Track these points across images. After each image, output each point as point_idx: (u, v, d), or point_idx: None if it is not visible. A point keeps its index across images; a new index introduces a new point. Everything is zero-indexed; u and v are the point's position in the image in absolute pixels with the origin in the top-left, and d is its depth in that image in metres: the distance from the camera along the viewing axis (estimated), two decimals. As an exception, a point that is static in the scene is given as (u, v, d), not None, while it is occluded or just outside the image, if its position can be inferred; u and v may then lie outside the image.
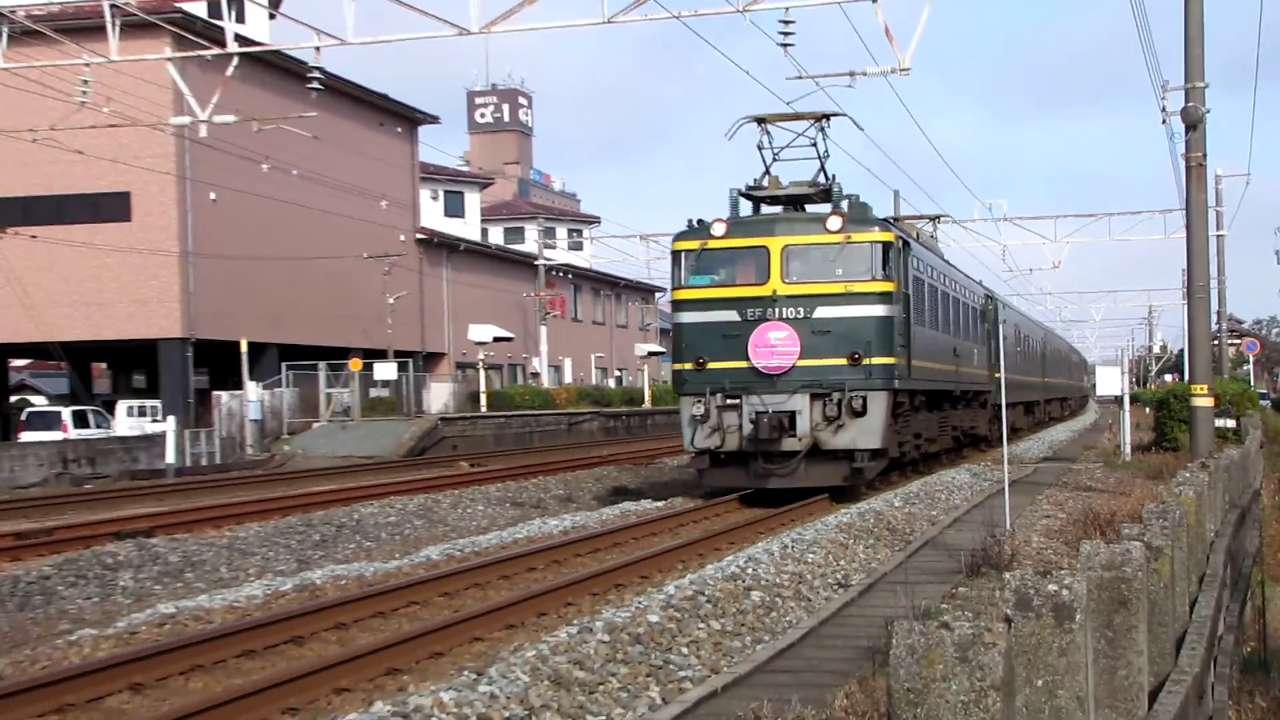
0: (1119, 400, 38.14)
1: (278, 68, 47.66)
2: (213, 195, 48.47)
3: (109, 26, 25.01)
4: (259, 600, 14.94)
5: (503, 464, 38.57)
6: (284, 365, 52.28)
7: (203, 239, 48.33)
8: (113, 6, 25.33)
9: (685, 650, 11.36)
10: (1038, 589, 5.07)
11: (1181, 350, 70.60)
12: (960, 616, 4.17)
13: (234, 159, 44.59)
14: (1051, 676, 5.01)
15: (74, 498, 30.67)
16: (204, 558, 19.36)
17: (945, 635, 3.95)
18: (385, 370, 54.39)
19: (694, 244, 24.02)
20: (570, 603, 14.45)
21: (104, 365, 63.03)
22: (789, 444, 22.94)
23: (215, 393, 49.19)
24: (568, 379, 76.95)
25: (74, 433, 45.66)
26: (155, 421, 46.87)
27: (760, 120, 25.91)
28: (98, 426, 47.69)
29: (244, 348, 48.58)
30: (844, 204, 24.72)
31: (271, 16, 48.04)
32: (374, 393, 54.76)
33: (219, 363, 52.45)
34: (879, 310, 23.57)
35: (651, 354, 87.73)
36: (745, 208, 25.74)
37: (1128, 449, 34.72)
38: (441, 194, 79.72)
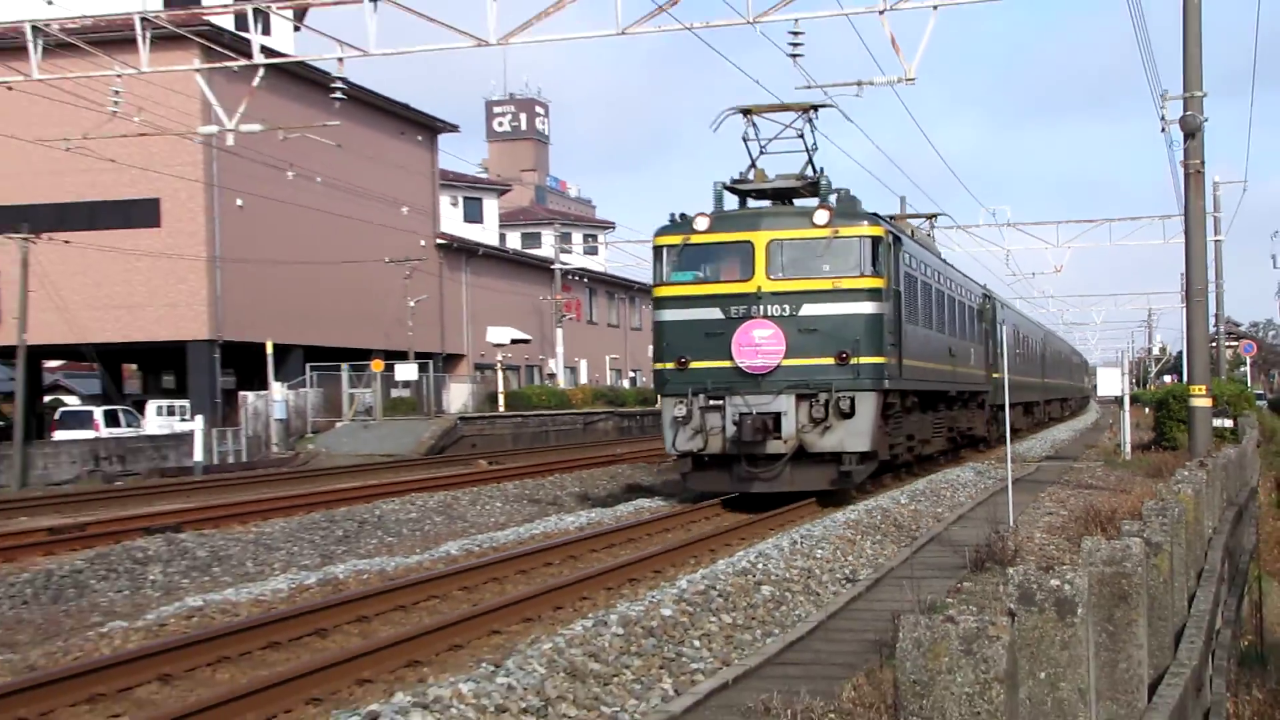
0: (1119, 401, 38.06)
1: (302, 78, 47.73)
2: (239, 202, 48.56)
3: (140, 39, 25.05)
4: (283, 594, 14.96)
5: (520, 462, 38.58)
6: (308, 366, 52.40)
7: (230, 244, 48.42)
8: (143, 19, 25.39)
9: (697, 643, 11.34)
10: (1040, 584, 5.05)
11: (1180, 352, 70.42)
12: (965, 611, 4.16)
13: (260, 167, 44.63)
14: (1054, 669, 4.99)
15: (105, 494, 30.76)
16: (230, 552, 19.39)
17: (950, 629, 3.93)
18: (406, 371, 54.49)
19: (676, 239, 22.75)
20: (585, 597, 14.44)
21: (134, 366, 63.20)
22: (774, 446, 21.68)
23: (242, 393, 49.29)
24: (583, 380, 77.01)
25: (105, 431, 45.80)
26: (184, 421, 46.96)
27: (746, 111, 24.62)
28: (128, 425, 47.81)
29: (269, 349, 48.68)
30: (832, 198, 23.44)
31: (296, 29, 48.04)
32: (395, 393, 54.86)
33: (245, 364, 52.56)
34: (868, 308, 22.20)
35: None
36: (730, 202, 24.45)
37: (1128, 448, 34.63)
38: (461, 200, 79.79)
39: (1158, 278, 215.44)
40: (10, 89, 27.90)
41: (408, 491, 27.47)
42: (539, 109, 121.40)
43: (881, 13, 22.34)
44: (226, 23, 43.08)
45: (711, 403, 21.92)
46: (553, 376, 74.67)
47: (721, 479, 22.47)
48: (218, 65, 30.21)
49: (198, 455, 40.85)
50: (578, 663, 10.06)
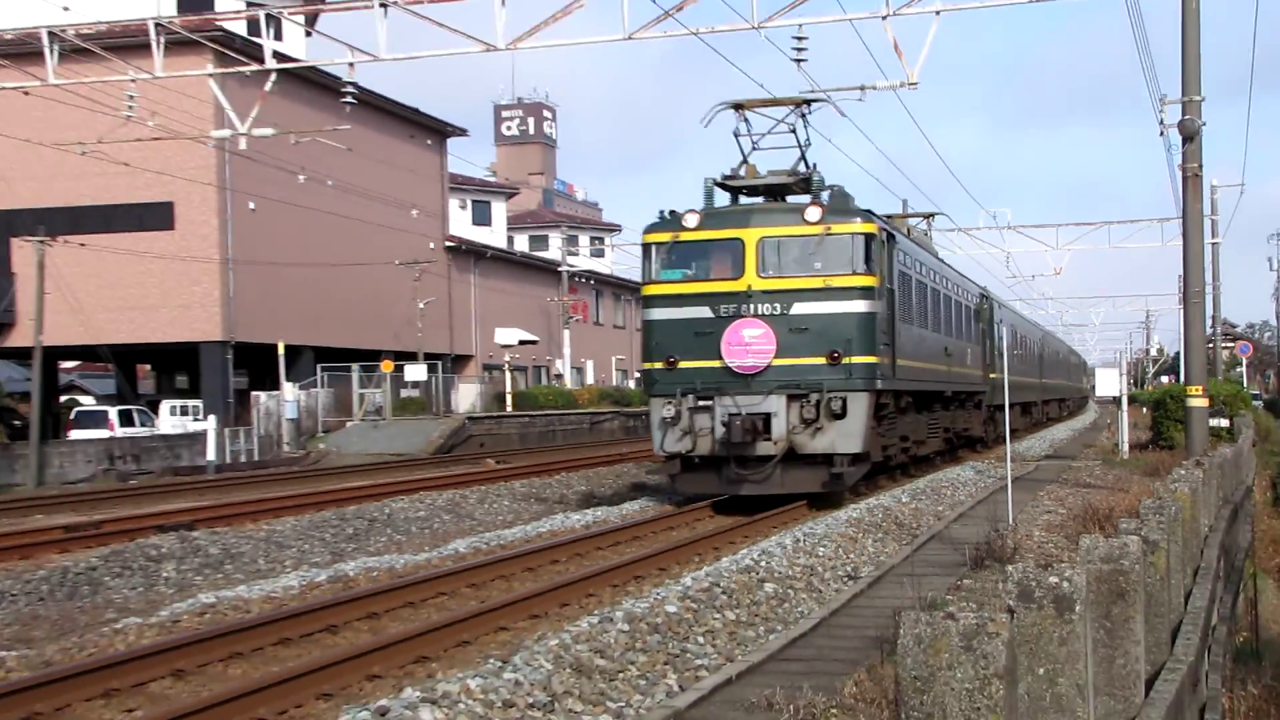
0: (1117, 401, 38.01)
1: (313, 83, 47.74)
2: (251, 205, 48.59)
3: (154, 44, 25.07)
4: (295, 591, 14.97)
5: (527, 461, 38.60)
6: (319, 367, 52.45)
7: (242, 247, 48.45)
8: (157, 25, 25.40)
9: (701, 639, 11.34)
10: (1039, 581, 5.05)
11: (1178, 353, 70.29)
12: (965, 607, 4.16)
13: (272, 170, 44.70)
14: (1052, 665, 4.99)
15: (120, 493, 30.79)
16: (243, 550, 19.40)
17: (951, 625, 3.93)
18: (415, 372, 54.54)
19: (665, 236, 22.05)
20: (591, 594, 14.43)
21: (148, 367, 63.23)
22: (763, 448, 20.93)
23: (254, 393, 49.33)
24: (590, 380, 77.03)
25: (120, 431, 45.85)
26: (197, 420, 47.00)
27: (738, 106, 23.83)
28: (142, 425, 47.87)
29: (281, 350, 48.73)
30: (825, 194, 22.69)
31: (308, 34, 48.12)
32: (405, 393, 54.90)
33: (257, 364, 52.58)
34: (860, 306, 21.39)
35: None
36: (722, 198, 23.59)
37: (1126, 447, 34.62)
38: (469, 203, 79.85)
39: (1156, 280, 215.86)
40: (27, 94, 27.96)
41: (417, 490, 27.48)
42: (547, 113, 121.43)
43: (884, 18, 22.30)
44: (239, 28, 43.16)
45: (700, 403, 21.29)
46: (559, 377, 74.67)
47: (710, 481, 21.80)
48: (230, 70, 30.21)
49: (210, 454, 40.90)
50: (584, 659, 10.06)
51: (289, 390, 48.83)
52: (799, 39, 22.61)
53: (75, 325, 45.52)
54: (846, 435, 21.01)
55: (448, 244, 65.02)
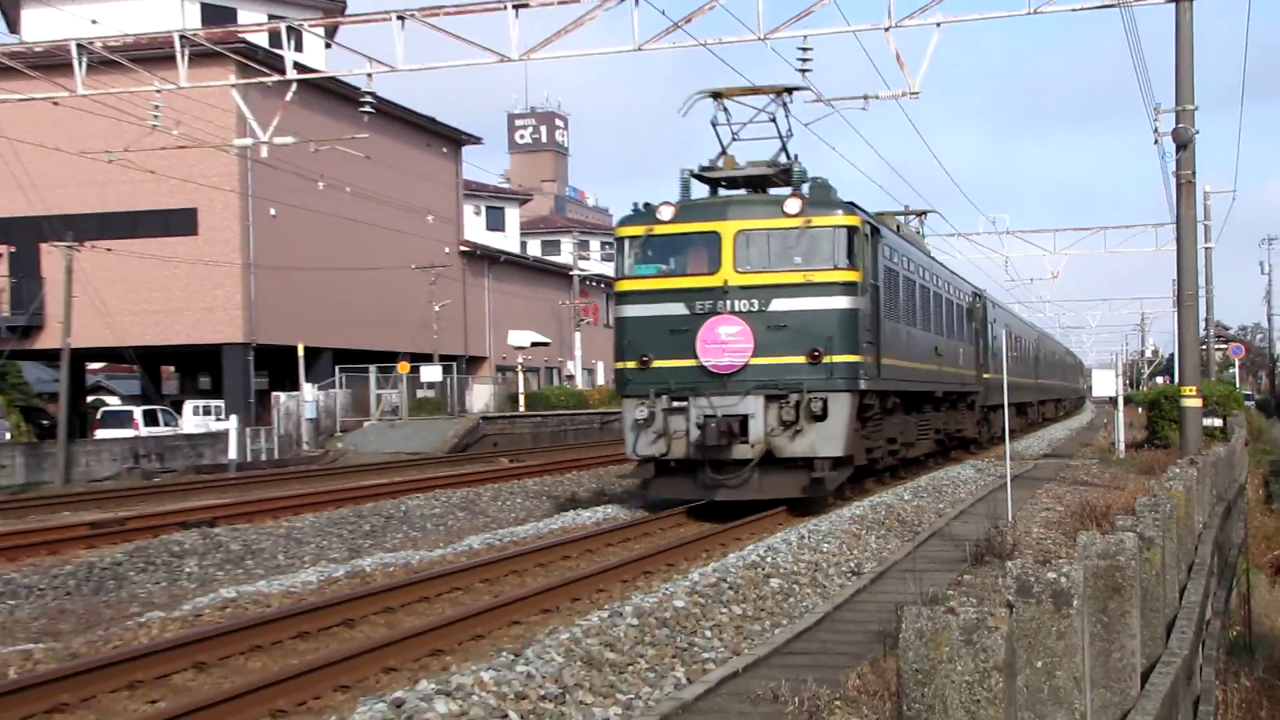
0: (1114, 401, 37.93)
1: (333, 93, 47.83)
2: (272, 211, 48.67)
3: (179, 56, 25.11)
4: (313, 586, 14.96)
5: (540, 460, 38.59)
6: (337, 368, 52.50)
7: (263, 251, 48.53)
8: (182, 37, 25.44)
9: (709, 633, 11.32)
10: (1038, 577, 5.03)
11: (1172, 354, 70.18)
12: (965, 602, 4.14)
13: (292, 177, 44.72)
14: (1050, 658, 4.97)
15: (144, 490, 30.84)
16: (263, 546, 19.41)
17: (951, 620, 3.92)
18: (431, 373, 54.60)
19: (639, 229, 20.51)
20: (602, 589, 14.41)
21: (172, 368, 63.31)
22: (740, 451, 19.45)
23: (274, 393, 49.40)
24: (600, 381, 76.97)
25: (144, 430, 45.93)
26: (219, 420, 47.10)
27: (717, 95, 22.28)
28: (166, 425, 47.95)
29: (301, 352, 48.81)
30: (806, 186, 21.11)
31: (327, 46, 48.10)
32: (420, 394, 54.95)
33: (277, 366, 52.67)
34: (842, 302, 19.86)
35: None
36: (699, 191, 22.08)
37: (1122, 447, 34.57)
38: (483, 209, 79.91)
39: (1151, 283, 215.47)
40: (56, 104, 27.96)
41: (432, 488, 27.49)
42: (559, 122, 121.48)
43: (887, 29, 22.26)
44: (261, 40, 43.18)
45: (675, 404, 19.81)
46: (571, 378, 74.71)
47: (685, 486, 20.30)
48: (252, 81, 30.27)
49: (232, 453, 40.94)
50: (594, 652, 10.04)
51: (308, 391, 48.90)
52: (804, 50, 22.55)
53: (102, 328, 45.60)
54: (827, 438, 19.57)
55: (462, 249, 65.08)
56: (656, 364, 20.05)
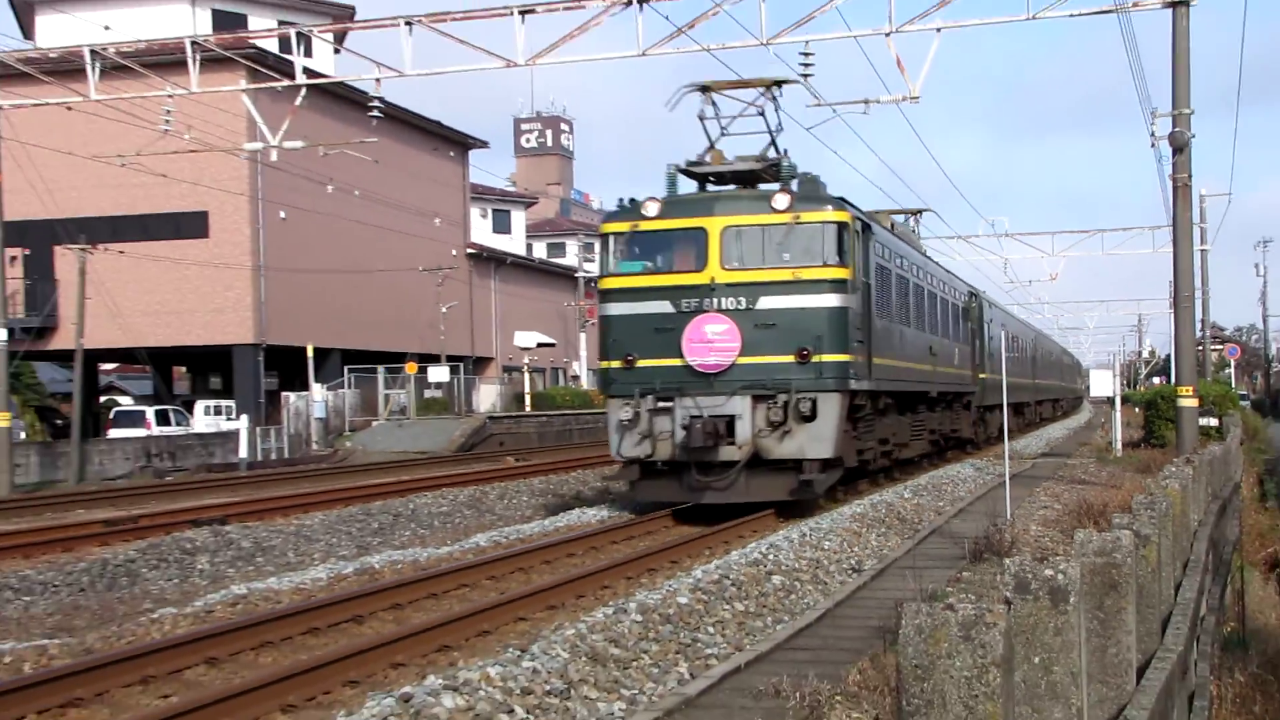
0: (1111, 401, 37.91)
1: (342, 97, 47.81)
2: (282, 214, 48.71)
3: (190, 61, 25.15)
4: (323, 582, 14.98)
5: (545, 459, 38.58)
6: (346, 369, 52.56)
7: (273, 254, 48.57)
8: (193, 43, 25.48)
9: (711, 629, 11.33)
10: (1035, 574, 5.04)
11: (1169, 355, 70.16)
12: (964, 599, 4.15)
13: (302, 181, 44.76)
14: (1047, 654, 4.98)
15: (156, 489, 30.86)
16: (273, 543, 19.44)
17: (950, 616, 3.93)
18: (438, 373, 54.63)
19: (624, 226, 19.75)
20: (606, 586, 14.41)
21: (184, 368, 63.38)
22: (727, 453, 18.74)
23: (284, 393, 49.46)
24: (605, 381, 76.91)
25: (156, 430, 45.95)
26: (230, 420, 47.10)
27: (705, 88, 21.50)
28: (178, 424, 47.97)
29: (310, 353, 48.85)
30: (794, 182, 20.43)
31: (336, 51, 48.14)
32: (428, 394, 54.99)
33: (287, 366, 52.70)
34: (831, 300, 19.08)
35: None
36: (687, 186, 21.26)
37: (1119, 446, 34.54)
38: (490, 212, 79.89)
39: (1148, 285, 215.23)
40: (70, 109, 28.04)
41: (439, 486, 27.50)
42: (564, 126, 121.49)
43: (888, 34, 22.27)
44: (271, 46, 43.22)
45: (660, 405, 19.09)
46: (576, 378, 74.71)
47: (671, 488, 19.55)
48: (262, 85, 30.31)
49: (243, 452, 40.97)
50: (599, 648, 10.06)
51: (317, 391, 48.94)
52: (806, 55, 22.51)
53: (114, 329, 45.66)
54: (816, 439, 18.82)
55: (469, 251, 65.11)
56: (641, 363, 19.39)
